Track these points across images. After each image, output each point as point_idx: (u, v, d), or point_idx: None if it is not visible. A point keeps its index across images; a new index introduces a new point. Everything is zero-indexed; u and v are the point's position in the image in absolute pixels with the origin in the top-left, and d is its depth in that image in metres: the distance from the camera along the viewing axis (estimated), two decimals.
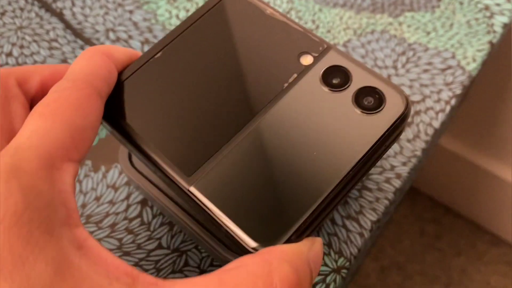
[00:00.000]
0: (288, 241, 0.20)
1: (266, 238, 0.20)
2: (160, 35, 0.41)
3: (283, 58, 0.24)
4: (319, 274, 0.30)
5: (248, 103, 0.23)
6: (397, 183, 0.33)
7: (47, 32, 0.41)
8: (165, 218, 0.32)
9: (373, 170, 0.33)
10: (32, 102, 0.23)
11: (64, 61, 0.40)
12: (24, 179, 0.16)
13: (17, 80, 0.22)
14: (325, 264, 0.30)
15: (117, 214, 0.32)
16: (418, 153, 0.34)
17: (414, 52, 0.39)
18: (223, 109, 0.23)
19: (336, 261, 0.30)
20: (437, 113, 0.36)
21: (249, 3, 0.26)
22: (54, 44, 0.41)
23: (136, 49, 0.40)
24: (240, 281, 0.17)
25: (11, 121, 0.20)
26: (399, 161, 0.34)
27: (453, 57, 0.39)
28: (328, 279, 0.29)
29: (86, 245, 0.17)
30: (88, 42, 0.40)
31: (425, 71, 0.38)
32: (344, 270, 0.30)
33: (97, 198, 0.33)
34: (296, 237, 0.20)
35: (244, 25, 0.25)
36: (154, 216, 0.32)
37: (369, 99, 0.23)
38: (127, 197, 0.33)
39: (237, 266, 0.18)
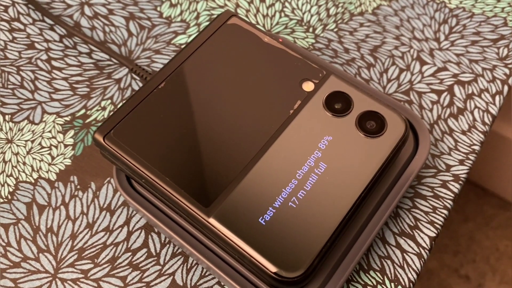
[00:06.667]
0: (312, 266, 0.20)
1: (287, 264, 0.20)
2: (147, 7, 0.33)
3: (285, 86, 0.25)
4: None
5: (258, 130, 0.23)
6: (455, 187, 0.27)
7: (5, 9, 0.33)
8: (177, 247, 0.26)
9: (426, 172, 0.27)
10: None
11: (31, 46, 0.32)
12: None
13: None
14: None
15: (116, 245, 0.26)
16: (476, 147, 0.28)
17: (457, 19, 0.33)
18: (233, 138, 0.23)
19: None
20: (493, 96, 0.30)
21: (246, 31, 0.26)
22: (16, 24, 0.33)
23: (120, 26, 0.33)
24: None
25: None
26: (455, 159, 0.28)
27: (505, 24, 0.33)
28: None
29: None
30: (58, 21, 0.32)
31: (474, 42, 0.32)
32: None
33: (90, 226, 0.26)
34: (318, 261, 0.21)
35: (244, 54, 0.26)
36: (163, 245, 0.26)
37: (372, 123, 0.24)
38: (127, 222, 0.26)
39: None
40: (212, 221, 0.21)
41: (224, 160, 0.23)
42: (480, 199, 0.80)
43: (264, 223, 0.21)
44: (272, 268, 0.20)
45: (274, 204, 0.22)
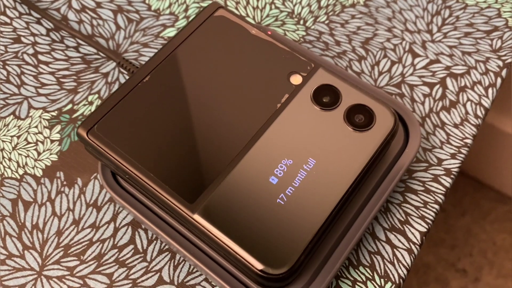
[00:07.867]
0: (298, 262, 0.20)
1: (273, 261, 0.20)
2: (136, 0, 0.33)
3: (273, 79, 0.24)
4: None
5: (244, 124, 0.23)
6: (447, 181, 0.27)
7: None
8: (164, 244, 0.25)
9: (417, 167, 0.27)
10: None
11: (18, 40, 0.31)
12: None
13: None
14: None
15: (103, 241, 0.26)
16: (469, 141, 0.28)
17: (450, 10, 0.32)
18: (219, 132, 0.23)
19: None
20: (486, 88, 0.29)
21: (233, 23, 0.26)
22: (2, 18, 0.32)
23: (108, 20, 0.32)
24: None
25: None
26: (447, 152, 0.27)
27: (499, 15, 0.32)
28: None
29: None
30: (45, 15, 0.31)
31: (467, 34, 0.31)
32: None
33: (76, 222, 0.26)
34: (304, 258, 0.20)
35: (231, 47, 0.25)
36: (150, 242, 0.25)
37: (360, 117, 0.23)
38: (114, 218, 0.26)
39: None
40: (197, 217, 0.21)
41: (210, 155, 0.22)
42: (477, 192, 0.80)
43: (250, 219, 0.21)
44: (258, 265, 0.20)
45: (260, 200, 0.21)
